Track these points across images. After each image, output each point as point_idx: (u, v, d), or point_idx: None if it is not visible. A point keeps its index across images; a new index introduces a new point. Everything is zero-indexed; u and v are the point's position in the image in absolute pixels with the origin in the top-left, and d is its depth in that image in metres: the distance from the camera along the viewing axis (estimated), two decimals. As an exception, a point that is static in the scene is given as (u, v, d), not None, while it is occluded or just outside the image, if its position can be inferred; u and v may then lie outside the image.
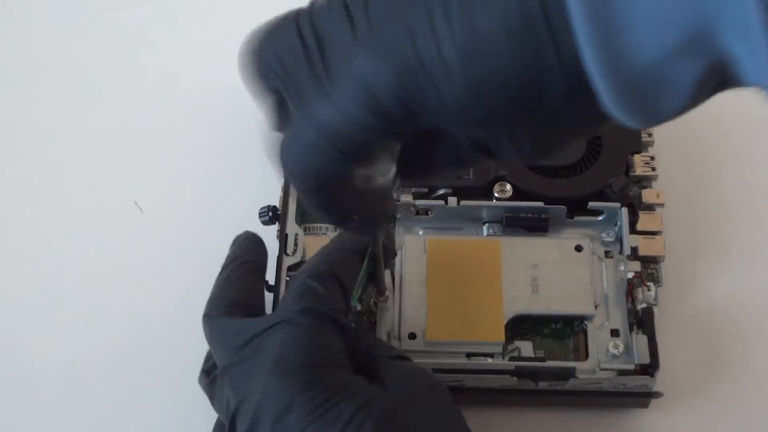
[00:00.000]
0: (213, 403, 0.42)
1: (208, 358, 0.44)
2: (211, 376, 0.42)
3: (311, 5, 0.33)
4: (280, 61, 0.33)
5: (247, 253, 0.47)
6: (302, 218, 0.53)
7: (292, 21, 0.34)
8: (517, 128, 0.33)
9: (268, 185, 0.54)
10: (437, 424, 0.40)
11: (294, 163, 0.34)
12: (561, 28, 0.29)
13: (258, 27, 0.35)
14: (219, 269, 0.46)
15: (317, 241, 0.51)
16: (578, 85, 0.30)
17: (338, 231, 0.50)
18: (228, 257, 0.47)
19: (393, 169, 0.38)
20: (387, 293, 0.50)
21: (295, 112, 0.34)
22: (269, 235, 0.51)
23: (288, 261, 0.50)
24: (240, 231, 0.49)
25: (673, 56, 0.28)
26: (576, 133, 0.34)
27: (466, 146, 0.35)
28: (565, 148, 0.35)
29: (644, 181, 0.54)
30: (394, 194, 0.40)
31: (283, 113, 0.35)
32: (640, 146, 0.54)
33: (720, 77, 0.29)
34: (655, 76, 0.29)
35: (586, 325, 0.50)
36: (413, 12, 0.30)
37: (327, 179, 0.34)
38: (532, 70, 0.30)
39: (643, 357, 0.47)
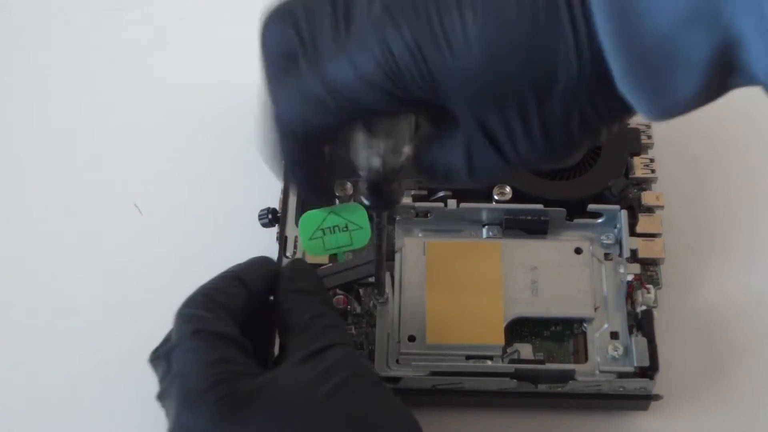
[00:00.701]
0: None
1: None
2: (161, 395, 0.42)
3: None
4: (305, 8, 0.34)
5: (242, 270, 0.44)
6: (302, 220, 0.53)
7: None
8: (529, 110, 0.33)
9: (268, 187, 0.54)
10: (383, 408, 0.39)
11: (288, 111, 0.35)
12: (577, 3, 0.30)
13: None
14: (219, 271, 0.46)
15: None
16: (592, 69, 0.31)
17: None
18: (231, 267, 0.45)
19: (406, 151, 0.37)
20: (387, 295, 0.50)
21: (305, 66, 0.34)
22: (269, 238, 0.51)
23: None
24: (240, 232, 0.49)
25: (685, 26, 0.29)
26: (590, 127, 0.34)
27: (478, 139, 0.34)
28: (579, 147, 0.34)
29: (644, 184, 0.54)
30: (400, 183, 0.39)
31: (290, 68, 0.35)
32: (639, 148, 0.54)
33: (729, 64, 0.30)
34: (667, 48, 0.29)
35: (585, 328, 0.50)
36: None
37: (317, 133, 0.34)
38: (546, 42, 0.31)
39: (643, 359, 0.47)
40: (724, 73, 0.30)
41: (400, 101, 0.34)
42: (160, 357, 0.41)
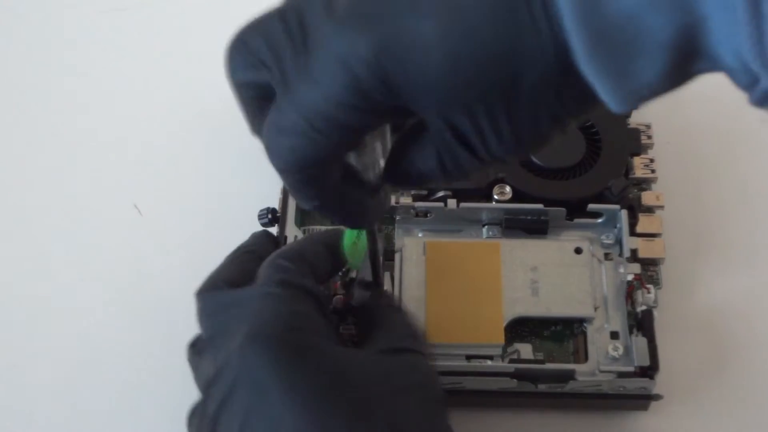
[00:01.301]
0: (194, 377, 0.43)
1: (197, 334, 0.44)
2: (196, 348, 0.43)
3: None
4: (266, 44, 0.34)
5: (254, 244, 0.47)
6: (302, 220, 0.53)
7: (277, 8, 0.34)
8: (497, 109, 0.32)
9: (268, 187, 0.54)
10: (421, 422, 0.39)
11: (276, 145, 0.34)
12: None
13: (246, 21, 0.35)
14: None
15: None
16: (557, 64, 0.31)
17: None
18: (237, 247, 0.47)
19: (381, 164, 0.37)
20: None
21: (279, 97, 0.34)
22: (268, 238, 0.51)
23: (287, 263, 0.50)
24: (240, 233, 0.49)
25: (648, 6, 0.29)
26: (557, 118, 0.33)
27: (448, 140, 0.34)
28: (549, 140, 0.34)
29: (644, 184, 0.54)
30: (386, 192, 0.40)
31: (265, 106, 0.35)
32: (639, 148, 0.54)
33: (692, 47, 0.30)
34: (630, 28, 0.29)
35: (585, 328, 0.50)
36: None
37: (307, 161, 0.34)
38: (508, 42, 0.31)
39: (643, 359, 0.47)
40: (687, 57, 0.30)
41: (376, 115, 0.34)
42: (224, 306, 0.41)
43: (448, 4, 0.31)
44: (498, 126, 0.33)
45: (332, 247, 0.44)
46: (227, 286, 0.43)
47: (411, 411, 0.39)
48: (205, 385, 0.40)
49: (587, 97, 0.32)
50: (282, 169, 0.35)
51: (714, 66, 0.31)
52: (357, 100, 0.32)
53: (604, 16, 0.29)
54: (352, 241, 0.45)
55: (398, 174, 0.37)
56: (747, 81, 0.30)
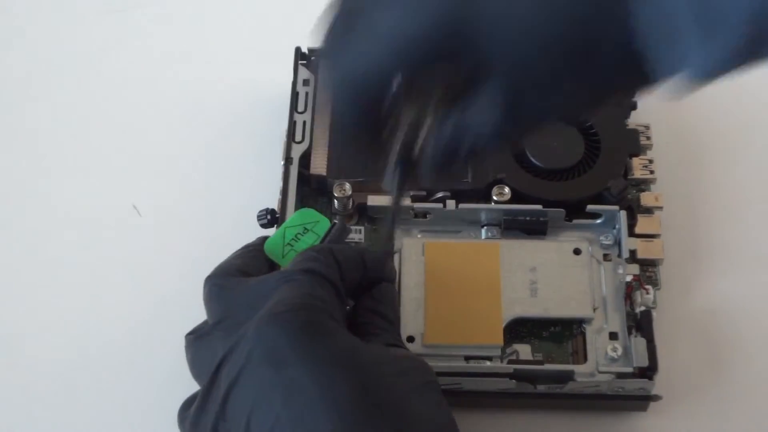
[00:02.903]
0: (192, 362, 0.42)
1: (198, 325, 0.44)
2: (197, 334, 0.42)
3: None
4: None
5: (261, 244, 0.47)
6: (301, 221, 0.53)
7: None
8: (567, 73, 0.34)
9: (267, 188, 0.54)
10: (434, 411, 0.40)
11: (346, 67, 0.36)
12: None
13: None
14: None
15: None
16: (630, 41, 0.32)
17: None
18: (245, 245, 0.48)
19: (429, 121, 0.37)
20: None
21: (360, 25, 0.36)
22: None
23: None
24: (239, 234, 0.49)
25: None
26: (609, 92, 0.35)
27: (507, 90, 0.35)
28: (596, 111, 0.36)
29: (643, 184, 0.54)
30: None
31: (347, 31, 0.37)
32: (638, 149, 0.54)
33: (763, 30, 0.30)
34: None
35: (584, 328, 0.50)
36: None
37: (370, 88, 0.36)
38: (602, 14, 0.32)
39: (642, 360, 0.47)
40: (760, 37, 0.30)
41: (446, 57, 0.35)
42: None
43: None
44: (562, 88, 0.34)
45: (364, 256, 0.45)
46: (240, 274, 0.44)
47: (416, 391, 0.40)
48: (213, 366, 0.40)
49: (647, 82, 0.33)
50: (347, 96, 0.37)
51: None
52: (437, 35, 0.34)
53: None
54: (281, 256, 0.47)
55: (447, 134, 0.37)
56: None
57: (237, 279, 0.43)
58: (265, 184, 0.55)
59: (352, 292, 0.44)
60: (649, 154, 0.54)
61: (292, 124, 0.55)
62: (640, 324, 0.49)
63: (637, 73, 0.33)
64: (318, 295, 0.40)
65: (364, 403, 0.37)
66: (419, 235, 0.53)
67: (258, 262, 0.46)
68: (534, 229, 0.52)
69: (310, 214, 0.48)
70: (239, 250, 0.47)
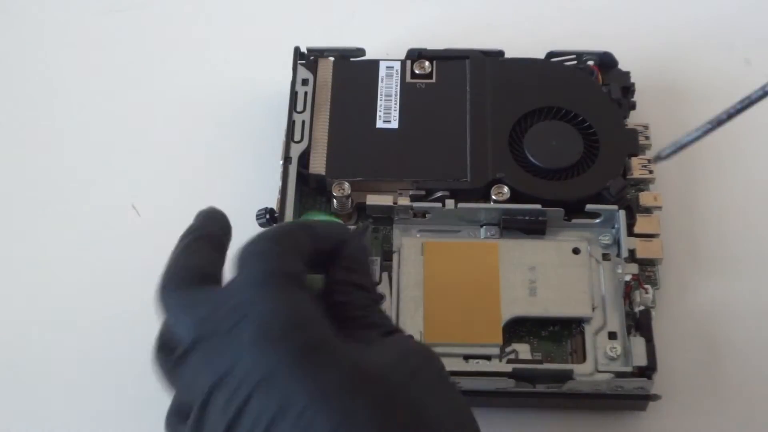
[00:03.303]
0: (175, 385, 0.39)
1: (162, 334, 0.40)
2: (176, 353, 0.38)
3: None
4: None
5: (205, 227, 0.44)
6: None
7: None
8: None
9: (266, 187, 0.54)
10: (450, 404, 0.38)
11: None
12: None
13: None
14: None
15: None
16: None
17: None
18: (186, 230, 0.44)
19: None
20: (384, 296, 0.50)
21: None
22: (267, 238, 0.51)
23: (285, 263, 0.50)
24: (237, 233, 0.49)
25: None
26: None
27: None
28: None
29: (642, 184, 0.54)
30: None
31: None
32: (637, 149, 0.54)
33: None
34: None
35: (583, 328, 0.50)
36: None
37: None
38: None
39: (641, 359, 0.47)
40: None
41: None
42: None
43: None
44: None
45: (313, 230, 0.41)
46: (196, 280, 0.40)
47: (428, 389, 0.38)
48: (203, 394, 0.37)
49: None
50: None
51: None
52: None
53: None
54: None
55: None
56: None
57: (200, 290, 0.39)
58: (264, 184, 0.55)
59: (317, 268, 0.41)
60: (648, 154, 0.54)
61: (291, 124, 0.55)
62: (639, 323, 0.49)
63: None
64: (296, 306, 0.37)
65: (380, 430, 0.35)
66: (418, 235, 0.53)
67: (212, 254, 0.42)
68: (533, 228, 0.52)
69: (319, 216, 0.48)
70: (185, 240, 0.43)
